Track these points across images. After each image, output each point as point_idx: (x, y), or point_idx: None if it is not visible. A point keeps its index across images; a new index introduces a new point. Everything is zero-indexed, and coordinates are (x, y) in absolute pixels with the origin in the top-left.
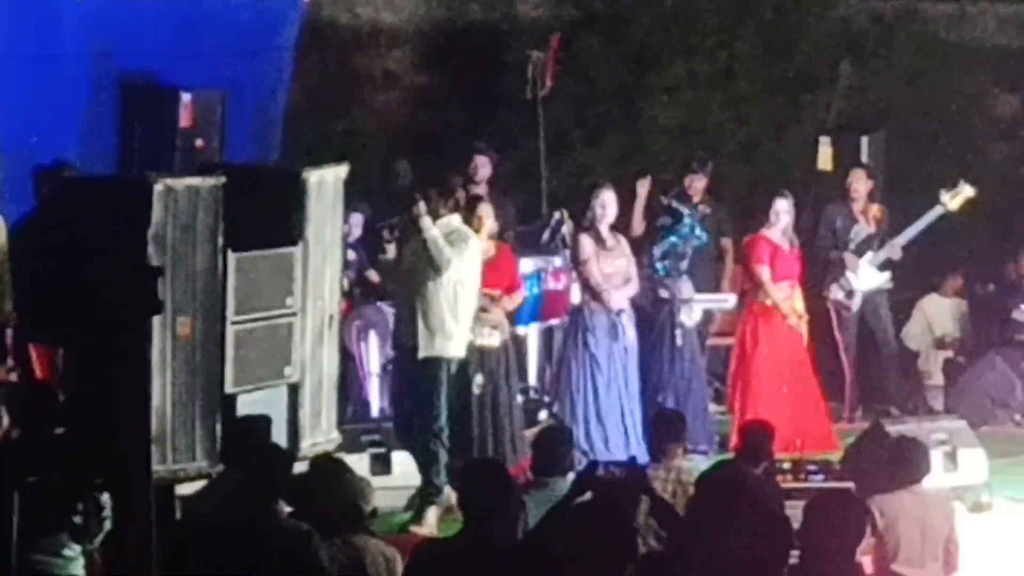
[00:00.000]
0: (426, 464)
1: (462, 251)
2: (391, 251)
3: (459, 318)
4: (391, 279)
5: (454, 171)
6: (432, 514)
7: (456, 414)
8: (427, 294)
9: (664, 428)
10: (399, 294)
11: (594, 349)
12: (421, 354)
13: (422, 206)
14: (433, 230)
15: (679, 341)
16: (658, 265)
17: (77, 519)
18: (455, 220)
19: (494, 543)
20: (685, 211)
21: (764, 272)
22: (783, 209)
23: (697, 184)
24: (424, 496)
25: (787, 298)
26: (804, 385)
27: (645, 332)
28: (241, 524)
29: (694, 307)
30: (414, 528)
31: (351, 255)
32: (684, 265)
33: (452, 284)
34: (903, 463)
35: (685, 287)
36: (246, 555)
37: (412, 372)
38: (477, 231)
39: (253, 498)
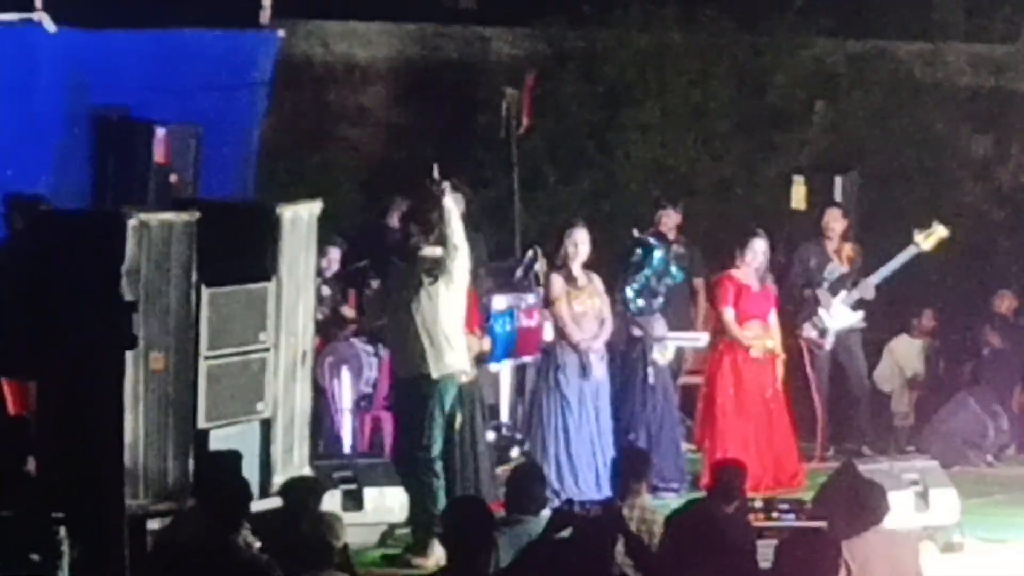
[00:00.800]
0: (421, 495)
1: (452, 271)
2: (375, 286)
3: (459, 329)
4: (379, 313)
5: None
6: (437, 545)
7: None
8: (426, 312)
9: (628, 466)
10: (393, 325)
11: (565, 388)
12: (435, 375)
13: (446, 185)
14: (455, 211)
15: (651, 379)
16: (631, 303)
17: (34, 556)
18: (438, 251)
19: None
20: (656, 244)
21: (728, 313)
22: (761, 249)
23: (668, 221)
24: (426, 527)
25: (756, 337)
26: (776, 423)
27: (617, 369)
28: (203, 556)
29: (667, 345)
30: (418, 560)
31: (325, 290)
32: (658, 303)
33: (447, 298)
34: (860, 506)
35: (658, 325)
36: None
37: (411, 402)
38: None
39: (215, 530)
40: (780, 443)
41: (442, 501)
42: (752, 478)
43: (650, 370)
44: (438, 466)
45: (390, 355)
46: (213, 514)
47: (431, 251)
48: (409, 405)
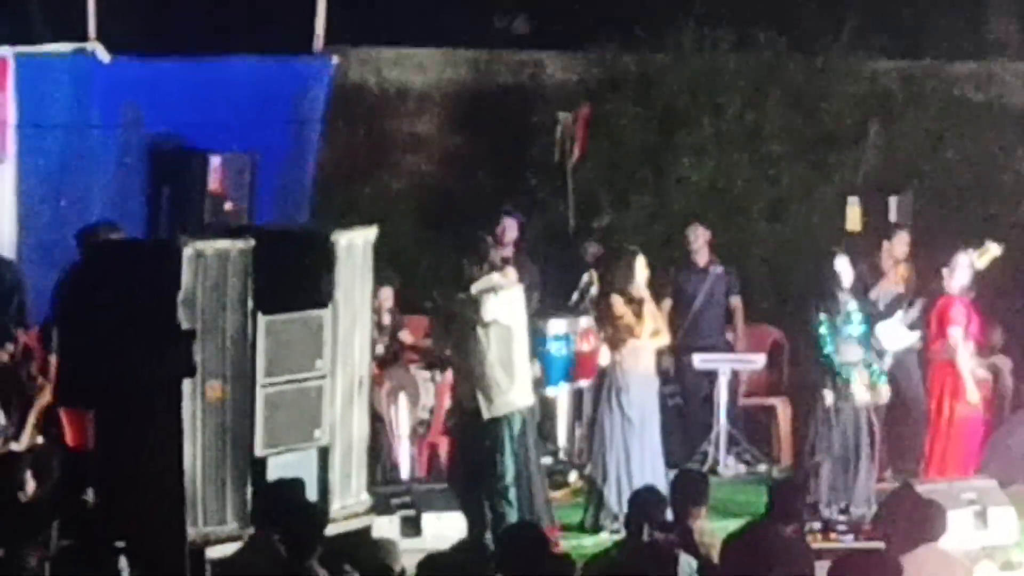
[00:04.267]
0: (495, 525)
1: (503, 300)
2: None
3: (515, 366)
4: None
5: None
6: None
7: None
8: (474, 357)
9: (685, 490)
10: (455, 355)
11: (628, 409)
12: (485, 416)
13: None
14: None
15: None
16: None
17: None
18: (494, 277)
19: None
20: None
21: (959, 333)
22: (964, 264)
23: (696, 239)
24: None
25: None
26: None
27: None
28: None
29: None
30: None
31: (387, 319)
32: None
33: (501, 336)
34: (919, 522)
35: (851, 351)
36: None
37: (474, 433)
38: None
39: (291, 557)
40: None
41: None
42: None
43: (827, 392)
44: (511, 494)
45: (453, 380)
46: (289, 540)
47: (486, 281)
48: (474, 433)
